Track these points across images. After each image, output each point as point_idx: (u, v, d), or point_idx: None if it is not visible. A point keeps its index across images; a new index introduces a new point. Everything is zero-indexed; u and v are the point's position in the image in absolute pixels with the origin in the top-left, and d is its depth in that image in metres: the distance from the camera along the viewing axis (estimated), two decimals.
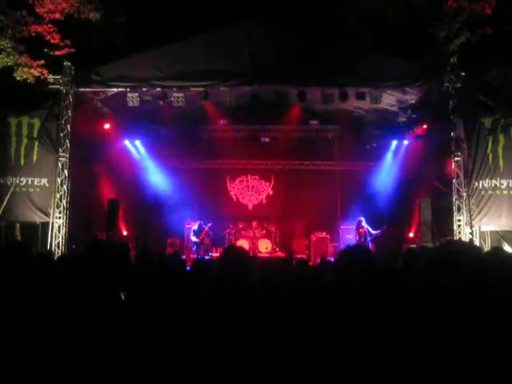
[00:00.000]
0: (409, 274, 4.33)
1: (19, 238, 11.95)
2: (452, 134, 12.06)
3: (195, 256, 14.90)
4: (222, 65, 11.95)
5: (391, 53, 12.01)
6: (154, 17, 15.18)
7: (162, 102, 12.58)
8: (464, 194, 12.04)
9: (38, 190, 12.23)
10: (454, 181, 12.24)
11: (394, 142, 16.32)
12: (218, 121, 16.87)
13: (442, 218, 13.16)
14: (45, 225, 12.12)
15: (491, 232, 11.96)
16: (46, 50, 11.56)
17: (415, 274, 3.50)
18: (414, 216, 15.23)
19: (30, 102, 12.43)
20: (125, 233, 16.14)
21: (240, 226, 17.71)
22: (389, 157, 16.80)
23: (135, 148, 16.88)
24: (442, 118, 12.27)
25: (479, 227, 11.91)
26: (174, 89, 12.40)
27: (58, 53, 11.64)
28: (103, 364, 2.35)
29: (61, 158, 12.35)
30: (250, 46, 11.89)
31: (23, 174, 12.14)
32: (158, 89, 12.35)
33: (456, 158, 12.18)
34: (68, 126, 12.46)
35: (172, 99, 12.52)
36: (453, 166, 12.23)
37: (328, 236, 16.81)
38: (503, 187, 11.81)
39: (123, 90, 12.47)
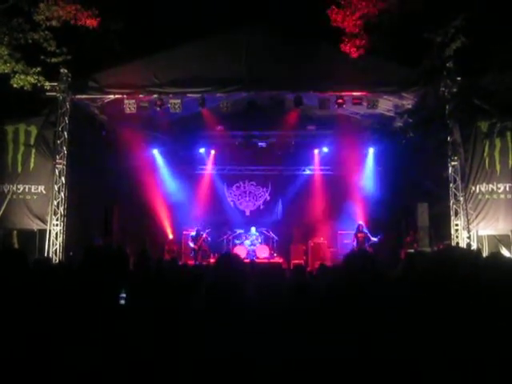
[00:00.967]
0: (407, 278, 4.33)
1: (16, 245, 11.91)
2: (448, 138, 12.07)
3: (193, 262, 14.88)
4: (218, 71, 11.98)
5: (387, 58, 12.04)
6: (150, 24, 15.21)
7: (158, 109, 12.59)
8: (461, 199, 12.05)
9: (35, 197, 12.21)
10: (451, 185, 12.25)
11: (391, 147, 16.34)
12: (215, 127, 16.89)
13: (440, 223, 13.15)
14: (42, 232, 12.09)
15: (489, 236, 11.97)
16: (42, 57, 11.53)
17: (414, 279, 3.49)
18: (412, 220, 15.23)
19: (27, 109, 12.43)
20: (122, 239, 16.09)
21: (238, 231, 17.69)
22: (386, 162, 16.81)
23: (133, 155, 16.84)
24: (438, 123, 12.29)
25: (477, 231, 11.92)
26: (171, 95, 12.41)
27: (54, 60, 11.61)
28: (102, 370, 2.34)
29: (58, 165, 12.32)
30: (247, 52, 11.94)
31: (20, 182, 12.12)
32: (155, 95, 12.36)
33: (453, 163, 12.20)
34: (65, 133, 12.45)
35: (169, 106, 12.53)
36: (450, 171, 12.25)
37: (326, 241, 16.81)
38: (500, 191, 11.83)
39: (120, 96, 12.47)
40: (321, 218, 17.45)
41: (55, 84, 12.25)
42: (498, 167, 11.87)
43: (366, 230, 15.26)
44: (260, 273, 3.83)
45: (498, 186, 11.82)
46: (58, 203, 12.23)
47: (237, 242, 17.42)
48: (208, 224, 16.91)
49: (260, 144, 17.85)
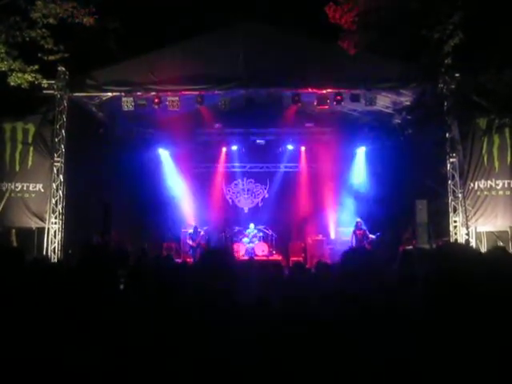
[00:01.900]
0: (405, 275, 4.32)
1: (15, 243, 11.90)
2: (447, 135, 12.07)
3: (191, 260, 14.88)
4: (216, 68, 11.96)
5: (385, 55, 12.02)
6: (148, 21, 15.18)
7: (156, 106, 12.57)
8: (460, 195, 12.06)
9: (33, 195, 12.20)
10: (449, 182, 12.26)
11: (389, 144, 16.32)
12: (213, 124, 16.89)
13: (438, 219, 13.15)
14: (41, 230, 12.08)
15: (487, 233, 11.99)
16: (39, 55, 11.52)
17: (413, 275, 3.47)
18: (410, 217, 15.23)
19: (25, 107, 12.42)
20: (121, 237, 16.07)
21: (236, 229, 17.69)
22: (384, 159, 16.79)
23: (132, 152, 16.82)
24: (436, 120, 12.28)
25: (475, 228, 11.94)
26: (169, 93, 12.39)
27: (52, 58, 11.60)
28: (102, 369, 2.33)
29: (56, 163, 12.31)
30: (245, 49, 11.91)
31: (18, 180, 12.10)
32: (153, 93, 12.34)
33: (451, 159, 12.20)
34: (63, 131, 12.42)
35: (167, 103, 12.51)
36: (448, 167, 12.25)
37: (324, 238, 16.82)
38: (499, 188, 11.84)
39: (118, 94, 12.45)
40: (319, 215, 17.44)
41: (53, 82, 12.20)
42: (496, 164, 11.88)
43: (364, 227, 15.25)
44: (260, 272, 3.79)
45: (497, 182, 11.83)
46: (56, 201, 12.22)
47: (235, 239, 17.41)
48: (206, 221, 16.90)
49: (258, 141, 17.86)
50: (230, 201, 19.10)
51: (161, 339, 2.44)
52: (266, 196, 19.00)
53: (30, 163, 12.27)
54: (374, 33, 11.00)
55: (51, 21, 11.33)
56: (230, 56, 11.97)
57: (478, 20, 10.49)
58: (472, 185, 11.94)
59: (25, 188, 12.16)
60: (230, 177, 19.09)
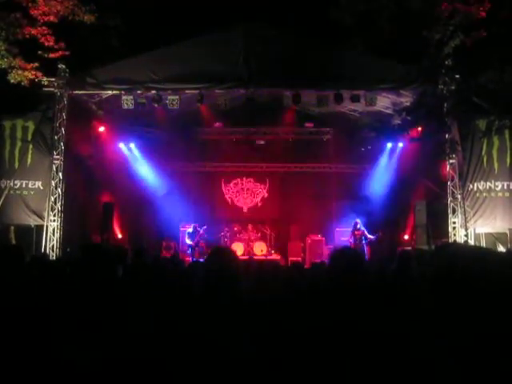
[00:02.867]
0: (403, 276, 4.33)
1: (14, 240, 11.89)
2: (447, 136, 12.07)
3: (190, 259, 14.86)
4: (217, 67, 11.95)
5: (386, 55, 12.03)
6: (148, 19, 15.18)
7: (156, 105, 12.57)
8: (459, 197, 12.06)
9: (32, 192, 12.18)
10: (448, 183, 12.26)
11: (389, 145, 16.34)
12: (213, 123, 16.89)
13: (437, 221, 13.16)
14: (39, 228, 12.07)
15: (486, 234, 11.98)
16: (40, 52, 11.52)
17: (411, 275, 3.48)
18: (409, 218, 15.26)
19: (25, 104, 12.39)
20: (119, 236, 16.09)
21: (235, 228, 17.67)
22: (383, 159, 16.81)
23: (130, 151, 16.84)
24: (436, 121, 12.27)
25: (474, 229, 11.93)
26: (169, 91, 12.38)
27: (52, 55, 11.61)
28: (103, 366, 2.34)
29: (55, 161, 12.31)
30: (246, 48, 11.91)
31: (18, 177, 12.09)
32: (153, 91, 12.33)
33: (451, 161, 12.21)
34: (62, 129, 12.42)
35: (167, 102, 12.50)
36: (448, 169, 12.25)
37: (323, 238, 16.81)
38: (498, 189, 11.83)
39: (118, 92, 12.45)
40: (318, 214, 17.43)
41: (53, 79, 12.20)
42: (495, 165, 11.87)
43: (363, 228, 15.25)
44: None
45: (496, 184, 11.83)
46: (55, 199, 12.21)
47: (234, 238, 17.40)
48: (205, 220, 16.89)
49: (258, 141, 17.86)
50: (230, 200, 19.07)
51: (160, 335, 2.45)
52: (266, 195, 18.98)
53: (29, 161, 12.26)
54: (375, 33, 11.01)
55: (52, 18, 11.33)
56: (230, 56, 11.97)
57: (479, 21, 10.51)
58: (471, 186, 11.94)
59: (24, 185, 12.14)
60: (230, 176, 19.07)
